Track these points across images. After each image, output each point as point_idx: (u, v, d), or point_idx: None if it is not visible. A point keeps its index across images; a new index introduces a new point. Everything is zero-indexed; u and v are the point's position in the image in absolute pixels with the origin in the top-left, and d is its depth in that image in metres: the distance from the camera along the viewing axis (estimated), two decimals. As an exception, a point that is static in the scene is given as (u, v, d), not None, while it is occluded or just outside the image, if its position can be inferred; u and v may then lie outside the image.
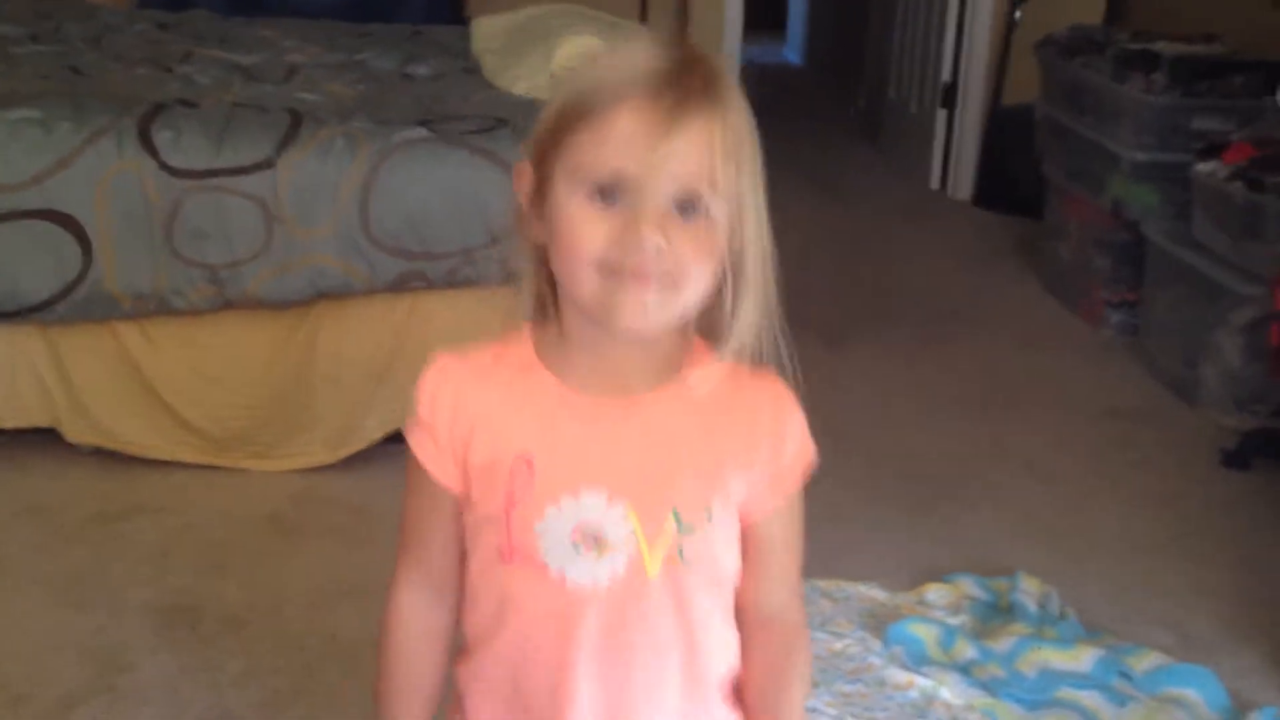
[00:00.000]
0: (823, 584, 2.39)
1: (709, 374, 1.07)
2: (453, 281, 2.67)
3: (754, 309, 1.06)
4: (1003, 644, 2.19)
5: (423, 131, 2.70)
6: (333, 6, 4.36)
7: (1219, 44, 3.87)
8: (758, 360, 1.08)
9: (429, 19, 4.39)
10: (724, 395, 1.08)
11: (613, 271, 0.99)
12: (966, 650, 2.18)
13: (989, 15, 5.19)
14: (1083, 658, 2.17)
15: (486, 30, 3.69)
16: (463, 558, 1.13)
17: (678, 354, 1.09)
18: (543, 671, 1.09)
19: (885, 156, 6.00)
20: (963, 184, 5.35)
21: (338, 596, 2.31)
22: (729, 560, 1.12)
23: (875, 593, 2.39)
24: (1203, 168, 3.37)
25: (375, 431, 2.74)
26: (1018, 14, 5.08)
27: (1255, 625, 2.39)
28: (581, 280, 1.01)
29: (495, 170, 2.64)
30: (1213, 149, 3.40)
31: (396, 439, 2.77)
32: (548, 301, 1.09)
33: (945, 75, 5.32)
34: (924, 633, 2.21)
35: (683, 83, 0.98)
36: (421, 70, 3.43)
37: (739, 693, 1.17)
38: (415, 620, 1.17)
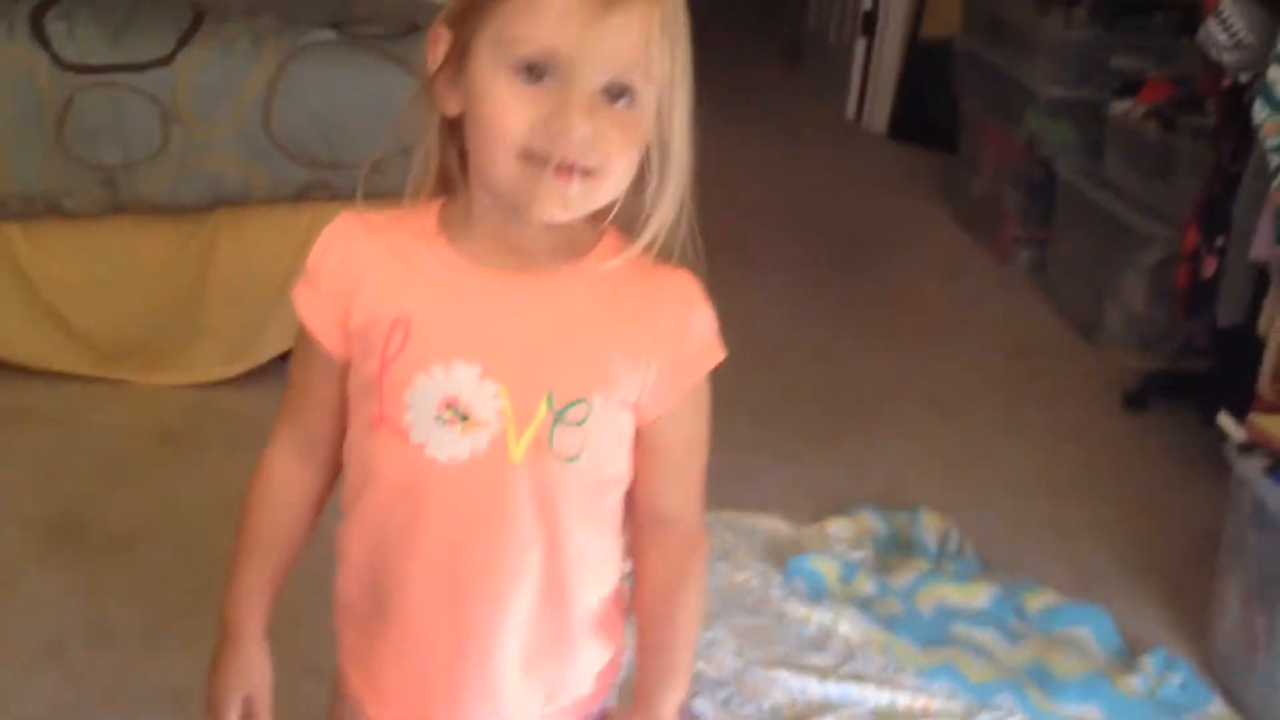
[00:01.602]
0: (725, 515, 2.38)
1: (616, 261, 1.01)
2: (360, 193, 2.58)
3: (672, 202, 1.01)
4: (902, 579, 2.21)
5: (332, 34, 2.60)
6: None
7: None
8: (666, 261, 1.03)
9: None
10: (629, 284, 1.02)
11: (535, 160, 0.93)
12: (866, 585, 2.19)
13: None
14: (979, 595, 2.20)
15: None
16: (344, 426, 1.08)
17: (586, 238, 1.03)
18: (393, 548, 1.05)
19: (805, 84, 5.95)
20: (879, 115, 5.33)
21: (229, 514, 2.24)
22: (612, 463, 1.05)
23: (778, 525, 2.39)
24: (1118, 106, 3.38)
25: (274, 346, 2.65)
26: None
27: (1150, 565, 2.44)
28: (500, 164, 0.95)
29: (408, 77, 2.55)
30: (1129, 87, 3.41)
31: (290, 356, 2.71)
32: (454, 174, 1.04)
33: (865, 4, 5.27)
34: (825, 567, 2.21)
35: None
36: (333, -30, 3.30)
37: (636, 603, 1.13)
38: (279, 479, 1.13)
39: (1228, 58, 2.75)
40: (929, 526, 2.41)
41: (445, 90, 0.99)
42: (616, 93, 0.94)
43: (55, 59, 2.44)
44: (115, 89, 2.46)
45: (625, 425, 1.05)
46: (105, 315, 2.63)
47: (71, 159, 2.47)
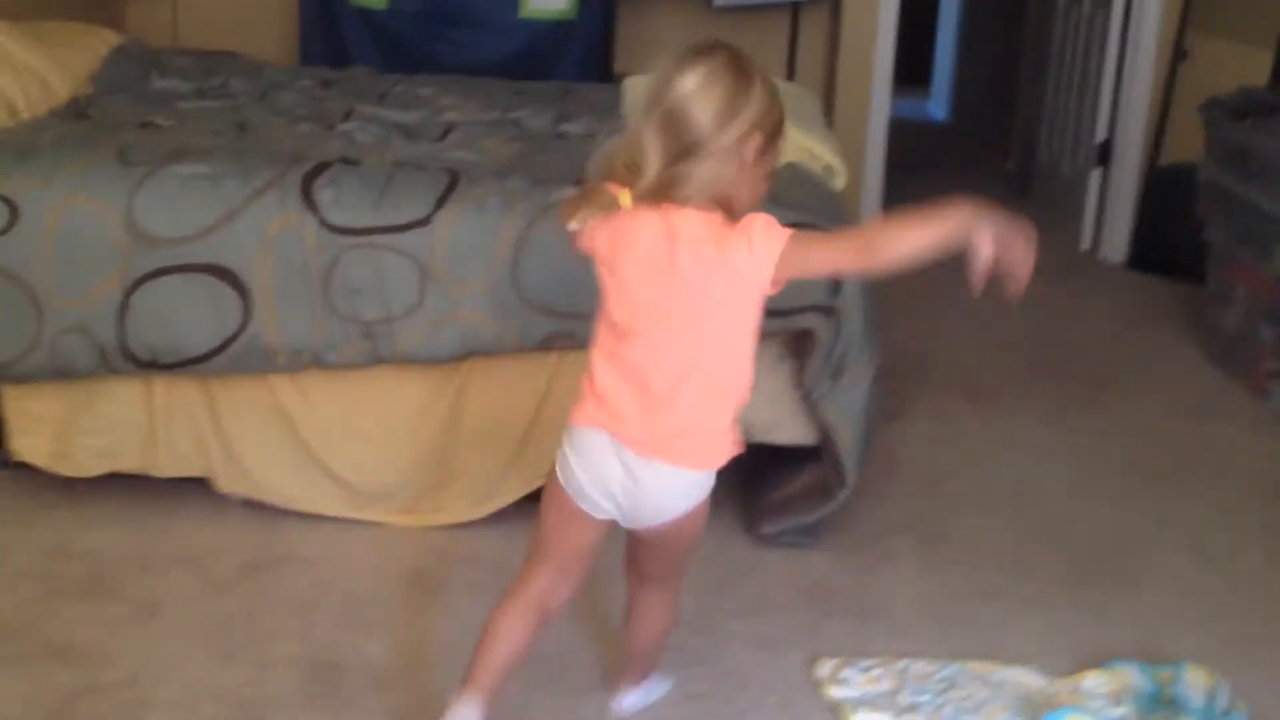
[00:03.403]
0: (975, 665, 2.31)
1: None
2: (600, 341, 2.66)
3: None
4: (1168, 739, 2.09)
5: (575, 191, 2.71)
6: (488, 65, 4.43)
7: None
8: None
9: (581, 77, 4.44)
10: None
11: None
12: (1129, 745, 2.08)
13: (1148, 73, 5.05)
14: (1255, 758, 2.05)
15: (637, 90, 3.70)
16: None
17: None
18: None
19: (1035, 216, 5.85)
20: (1117, 245, 5.19)
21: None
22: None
23: (1030, 678, 2.30)
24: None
25: (516, 490, 2.74)
26: (1180, 72, 4.93)
27: None
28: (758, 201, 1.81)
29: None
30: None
31: (534, 497, 2.77)
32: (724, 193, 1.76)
33: (1100, 134, 5.19)
34: (1082, 724, 2.11)
35: None
36: (575, 129, 3.46)
37: None
38: None
39: None
40: (1195, 682, 2.26)
41: (752, 167, 1.76)
42: None
43: (324, 222, 2.62)
44: (377, 249, 2.61)
45: None
46: (363, 460, 2.76)
47: (336, 315, 2.63)
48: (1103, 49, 5.18)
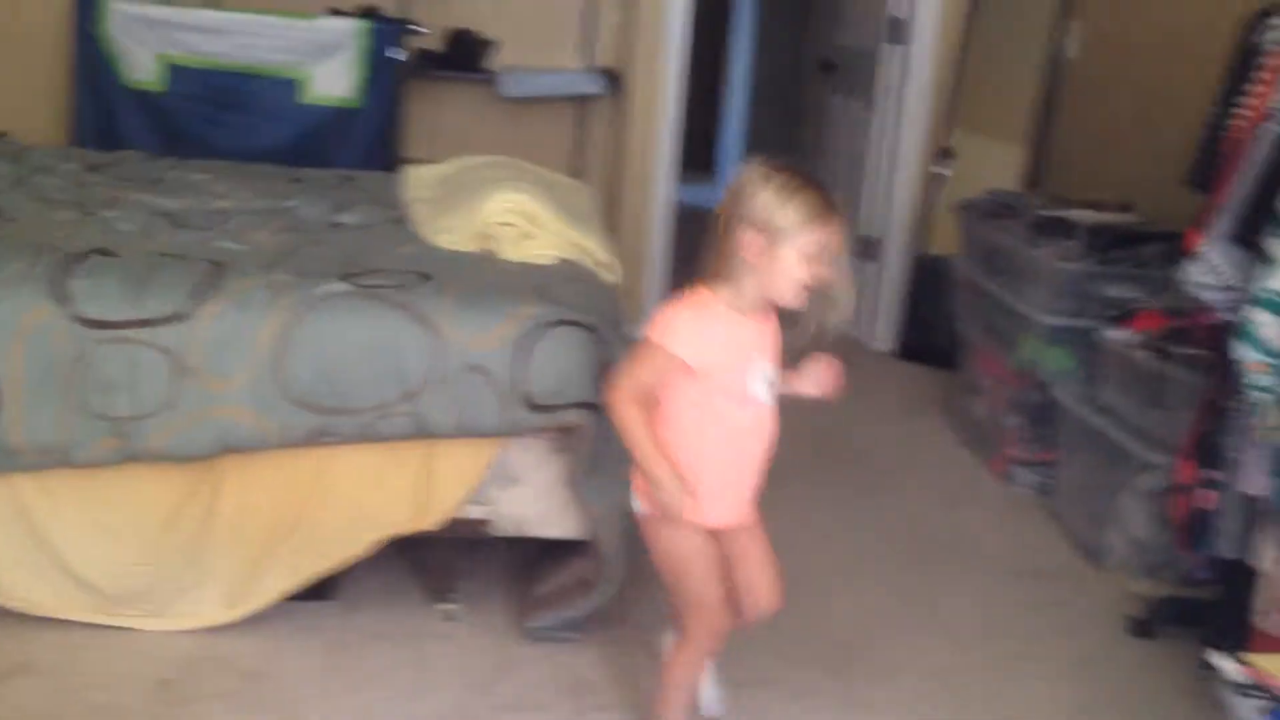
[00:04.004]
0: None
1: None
2: (364, 436, 2.65)
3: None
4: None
5: (343, 285, 2.71)
6: (267, 150, 4.39)
7: (1132, 213, 3.98)
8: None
9: (365, 164, 4.43)
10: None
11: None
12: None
13: (914, 170, 5.32)
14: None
15: (418, 179, 3.73)
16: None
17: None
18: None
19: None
20: (885, 336, 5.44)
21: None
22: None
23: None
24: (1113, 334, 3.45)
25: (275, 589, 2.69)
26: (945, 171, 5.21)
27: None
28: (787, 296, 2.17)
29: (414, 325, 2.64)
30: (1124, 316, 3.49)
31: (296, 597, 2.73)
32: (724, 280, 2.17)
33: (868, 229, 5.44)
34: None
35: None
36: (349, 219, 3.45)
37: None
38: (635, 410, 2.21)
39: (1210, 297, 2.82)
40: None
41: (759, 260, 2.12)
42: None
43: (77, 316, 2.55)
44: (132, 344, 2.56)
45: None
46: (111, 561, 2.67)
47: (86, 412, 2.56)
48: (865, 148, 5.45)
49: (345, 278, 2.76)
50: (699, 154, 9.02)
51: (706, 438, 2.20)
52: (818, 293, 2.16)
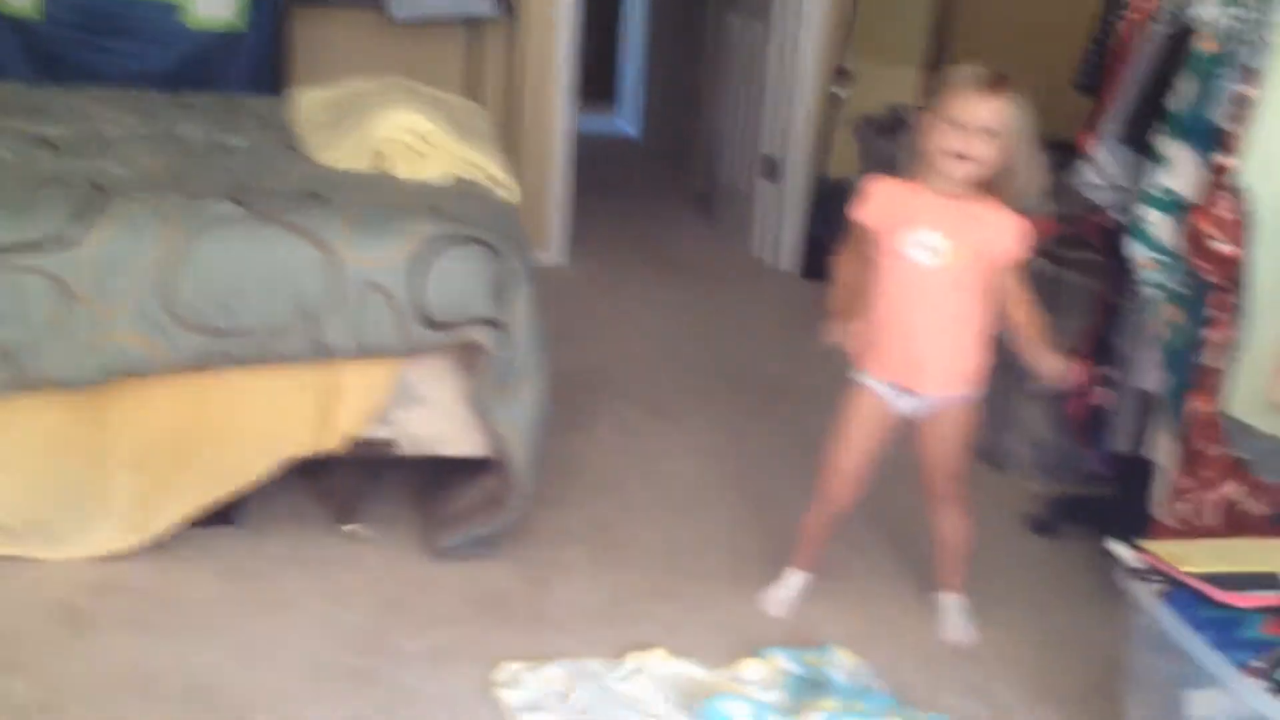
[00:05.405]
0: (634, 658, 2.39)
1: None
2: (260, 358, 2.60)
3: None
4: (813, 718, 2.21)
5: (234, 207, 2.65)
6: (151, 76, 4.25)
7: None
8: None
9: (250, 89, 4.32)
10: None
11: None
12: (776, 727, 2.19)
13: (810, 92, 5.32)
14: (890, 731, 2.20)
15: (308, 103, 3.64)
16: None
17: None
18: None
19: (717, 231, 6.10)
20: (788, 255, 5.47)
21: (128, 693, 2.21)
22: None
23: (692, 669, 2.39)
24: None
25: (177, 515, 2.64)
26: (843, 93, 5.22)
27: (1063, 694, 2.46)
28: (940, 163, 2.40)
29: (308, 246, 2.59)
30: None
31: (200, 522, 2.69)
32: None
33: (766, 148, 5.45)
34: (735, 710, 2.21)
35: None
36: (238, 142, 3.37)
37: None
38: (850, 266, 2.63)
39: (1103, 198, 2.87)
40: (840, 663, 2.41)
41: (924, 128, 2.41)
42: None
43: (-47, 241, 2.46)
44: (15, 271, 2.48)
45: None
46: (4, 492, 2.60)
47: (-31, 339, 2.48)
48: (765, 69, 5.45)
49: (236, 200, 2.69)
50: (599, 84, 8.96)
51: (878, 294, 2.48)
52: (1000, 167, 2.37)
